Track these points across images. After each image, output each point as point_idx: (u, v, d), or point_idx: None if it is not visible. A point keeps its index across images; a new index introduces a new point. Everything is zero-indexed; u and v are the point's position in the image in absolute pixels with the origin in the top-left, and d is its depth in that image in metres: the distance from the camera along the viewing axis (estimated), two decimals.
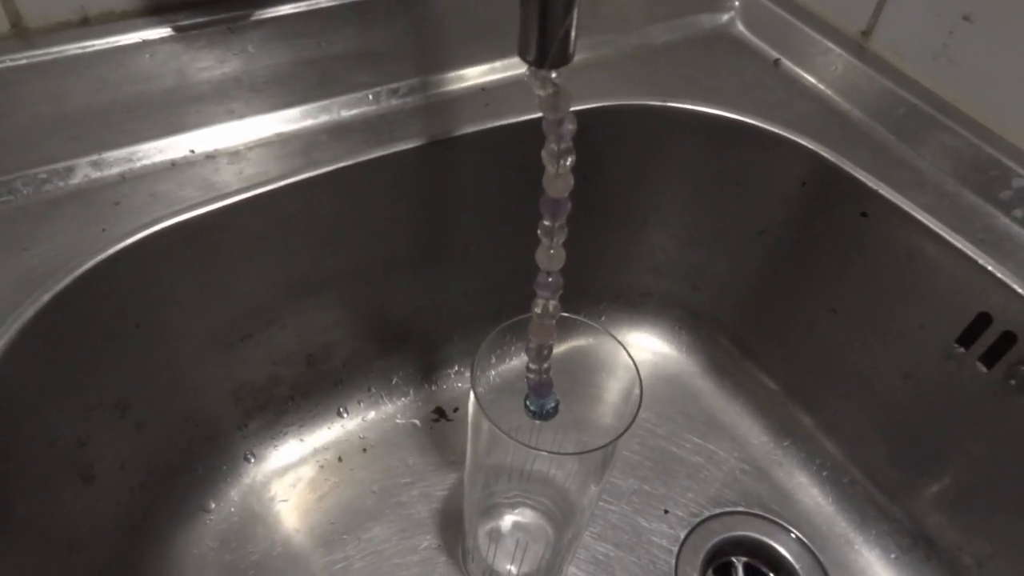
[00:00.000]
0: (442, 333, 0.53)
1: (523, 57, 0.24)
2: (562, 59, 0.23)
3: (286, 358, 0.47)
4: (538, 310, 0.29)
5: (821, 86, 0.48)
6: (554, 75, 0.23)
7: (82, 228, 0.36)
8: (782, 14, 0.51)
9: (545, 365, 0.31)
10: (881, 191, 0.42)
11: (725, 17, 0.53)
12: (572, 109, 0.43)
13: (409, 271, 0.48)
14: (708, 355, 0.56)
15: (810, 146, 0.44)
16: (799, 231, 0.47)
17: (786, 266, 0.49)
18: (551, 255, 0.27)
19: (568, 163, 0.25)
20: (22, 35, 0.43)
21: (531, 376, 0.32)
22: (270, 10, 0.47)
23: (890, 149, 0.45)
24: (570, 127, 0.24)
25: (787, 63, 0.50)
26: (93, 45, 0.43)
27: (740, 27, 0.53)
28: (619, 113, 0.47)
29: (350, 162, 0.41)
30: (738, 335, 0.54)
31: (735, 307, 0.53)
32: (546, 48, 0.23)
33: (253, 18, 0.47)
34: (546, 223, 0.27)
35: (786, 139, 0.45)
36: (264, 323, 0.44)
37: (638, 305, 0.57)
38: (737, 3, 0.53)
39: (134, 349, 0.38)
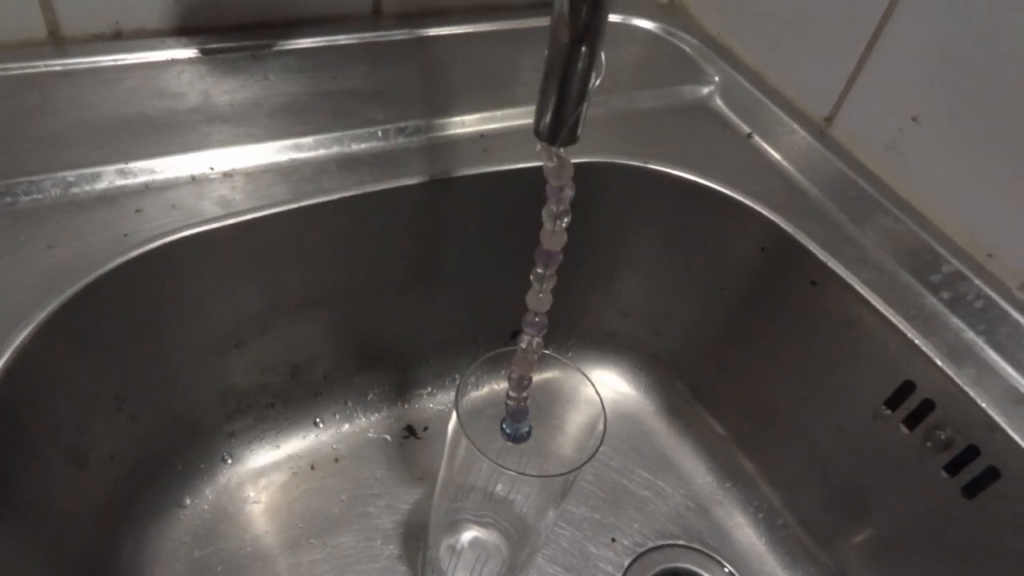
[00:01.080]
0: (420, 355, 0.56)
1: (537, 133, 0.28)
2: (571, 139, 0.28)
3: (273, 367, 0.50)
4: (524, 345, 0.33)
5: (785, 163, 0.54)
6: (562, 151, 0.28)
7: (106, 231, 0.38)
8: (756, 93, 0.57)
9: (524, 394, 0.35)
10: (830, 264, 0.47)
11: (706, 90, 0.58)
12: None
13: (397, 296, 0.51)
14: (664, 397, 0.60)
15: (771, 216, 0.49)
16: (756, 291, 0.52)
17: (742, 321, 0.54)
18: (540, 298, 0.31)
19: (564, 223, 0.29)
20: (58, 43, 0.46)
21: (510, 403, 0.35)
22: (291, 42, 0.51)
23: (840, 226, 0.50)
24: (569, 193, 0.28)
25: (758, 139, 0.55)
26: (125, 59, 0.47)
27: (718, 101, 0.58)
28: (603, 169, 0.51)
29: (355, 192, 0.44)
30: (693, 380, 0.59)
31: (692, 354, 0.58)
32: (558, 129, 0.27)
33: (275, 48, 0.50)
34: (539, 270, 0.31)
35: (751, 208, 0.50)
36: (259, 332, 0.47)
37: (603, 344, 0.61)
38: (717, 79, 0.58)
39: (138, 346, 0.41)
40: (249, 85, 0.48)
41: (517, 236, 0.40)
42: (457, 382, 0.47)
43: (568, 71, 0.26)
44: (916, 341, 0.43)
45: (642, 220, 0.54)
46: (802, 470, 0.52)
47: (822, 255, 0.47)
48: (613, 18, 0.62)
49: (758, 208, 0.50)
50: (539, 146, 0.28)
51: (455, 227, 0.49)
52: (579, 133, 0.28)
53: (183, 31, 0.49)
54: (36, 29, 0.46)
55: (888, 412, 0.45)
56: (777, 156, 0.54)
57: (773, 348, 0.52)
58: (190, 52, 0.48)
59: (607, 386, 0.61)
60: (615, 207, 0.53)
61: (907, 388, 0.44)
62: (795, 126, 0.54)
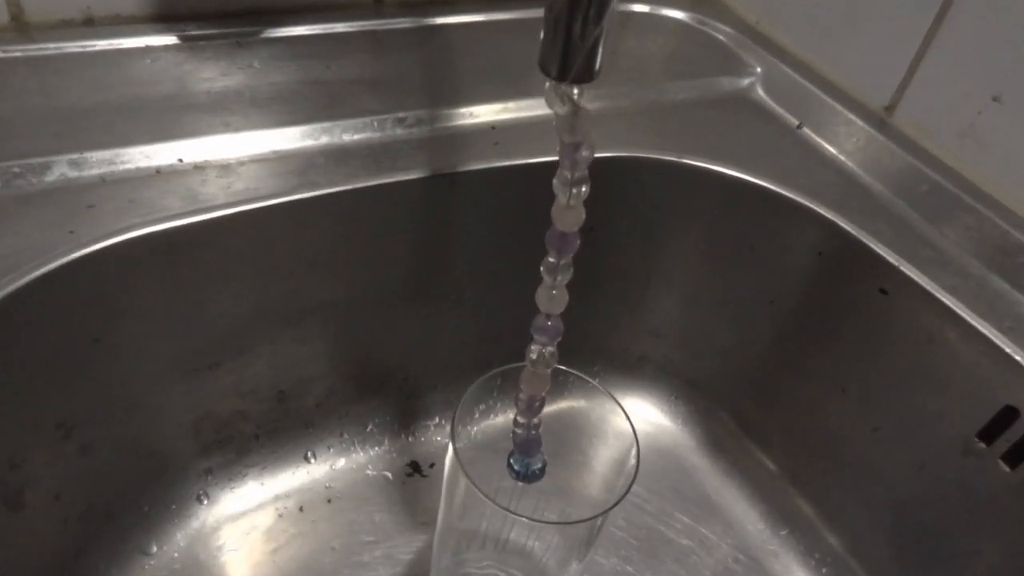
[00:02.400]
0: (426, 380, 0.49)
1: (543, 69, 0.21)
2: (586, 75, 0.21)
3: (255, 392, 0.43)
4: (533, 356, 0.26)
5: (842, 157, 0.47)
6: (575, 92, 0.21)
7: (48, 228, 0.33)
8: (804, 83, 0.50)
9: (535, 420, 0.28)
10: (903, 268, 0.40)
11: (746, 82, 0.52)
12: None
13: (397, 309, 0.45)
14: (705, 429, 0.53)
15: (829, 216, 0.42)
16: (812, 304, 0.45)
17: (796, 340, 0.47)
18: (552, 296, 0.25)
19: (581, 192, 0.23)
20: (22, 29, 0.42)
21: (518, 431, 0.29)
22: (282, 30, 0.46)
23: (912, 225, 0.43)
24: (586, 154, 0.22)
25: (807, 132, 0.48)
26: (94, 45, 0.42)
27: (760, 92, 0.51)
28: (631, 165, 0.45)
29: (346, 187, 0.38)
30: (739, 410, 0.51)
31: (738, 379, 0.51)
32: (569, 60, 0.20)
33: (264, 35, 0.45)
34: (551, 260, 0.24)
35: (804, 206, 0.43)
36: (235, 351, 0.41)
37: (634, 370, 0.54)
38: (759, 69, 0.52)
39: (88, 366, 0.35)
40: (231, 73, 0.43)
41: (534, 240, 0.33)
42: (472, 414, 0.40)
43: None
44: (1017, 358, 0.36)
45: (676, 225, 0.47)
46: (872, 515, 0.44)
47: (893, 259, 0.40)
48: (640, 8, 0.57)
49: (813, 207, 0.43)
50: (546, 85, 0.21)
51: (462, 229, 0.43)
52: (597, 68, 0.22)
53: (162, 17, 0.45)
54: None
55: (983, 446, 0.38)
56: (832, 149, 0.47)
57: (835, 370, 0.44)
58: (168, 39, 0.43)
59: (640, 417, 0.53)
60: (645, 210, 0.47)
61: (1008, 416, 0.36)
62: (851, 116, 0.48)
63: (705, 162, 0.45)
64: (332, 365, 0.45)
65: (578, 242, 0.24)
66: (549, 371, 0.27)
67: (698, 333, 0.51)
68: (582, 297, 0.50)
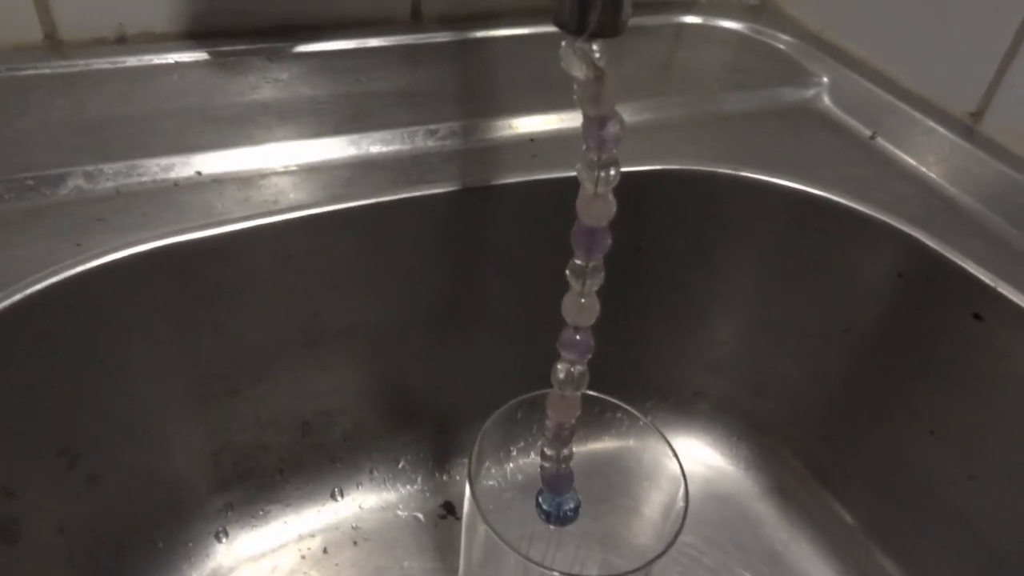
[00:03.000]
0: (463, 413, 0.46)
1: (557, 22, 0.18)
2: (609, 27, 0.18)
3: (277, 422, 0.41)
4: (560, 376, 0.23)
5: (923, 168, 0.42)
6: (596, 51, 0.18)
7: (55, 241, 0.31)
8: (877, 91, 0.46)
9: (565, 451, 0.24)
10: (1000, 289, 0.34)
11: (810, 92, 0.47)
12: (628, 169, 0.38)
13: (430, 334, 0.42)
14: (771, 474, 0.47)
15: (911, 232, 0.37)
16: (892, 332, 0.40)
17: (874, 373, 0.41)
18: (581, 305, 0.21)
19: (611, 177, 0.19)
20: (55, 46, 0.41)
21: (546, 465, 0.25)
22: (316, 44, 0.45)
23: (1008, 242, 0.37)
24: (614, 129, 0.18)
25: (882, 142, 0.44)
26: (124, 61, 0.41)
27: (827, 102, 0.47)
28: (683, 179, 0.41)
29: (371, 201, 0.36)
30: (810, 453, 0.46)
31: (807, 419, 0.45)
32: (588, 7, 0.17)
33: (296, 50, 0.44)
34: (577, 261, 0.21)
35: (881, 222, 0.38)
36: (254, 376, 0.38)
37: (689, 406, 0.49)
38: (825, 79, 0.48)
39: (95, 388, 0.33)
40: (259, 87, 0.41)
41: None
42: (502, 447, 0.37)
43: None
44: None
45: (735, 244, 0.43)
46: (969, 572, 0.38)
47: (988, 279, 0.35)
48: (692, 20, 0.54)
49: (892, 222, 0.38)
50: (562, 44, 0.18)
51: (498, 248, 0.40)
52: (624, 16, 0.18)
53: (195, 35, 0.44)
54: (31, 31, 0.41)
55: None
56: (911, 160, 0.42)
57: (922, 409, 0.39)
58: (198, 55, 0.42)
59: (696, 459, 0.48)
60: (700, 229, 0.43)
61: None
62: (932, 124, 0.43)
63: (765, 175, 0.41)
64: (360, 395, 0.42)
65: (609, 240, 0.21)
66: (579, 394, 0.23)
67: (761, 366, 0.46)
68: (630, 324, 0.47)
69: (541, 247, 0.41)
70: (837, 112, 0.46)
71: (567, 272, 0.22)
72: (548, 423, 0.24)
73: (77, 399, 0.33)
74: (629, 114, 0.43)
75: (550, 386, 0.35)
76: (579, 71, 0.18)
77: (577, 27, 0.18)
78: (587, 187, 0.20)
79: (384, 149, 0.38)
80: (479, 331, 0.42)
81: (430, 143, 0.39)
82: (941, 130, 0.43)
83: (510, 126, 0.41)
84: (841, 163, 0.42)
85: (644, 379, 0.48)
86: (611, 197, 0.20)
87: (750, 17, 0.54)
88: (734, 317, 0.45)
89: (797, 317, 0.43)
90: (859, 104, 0.46)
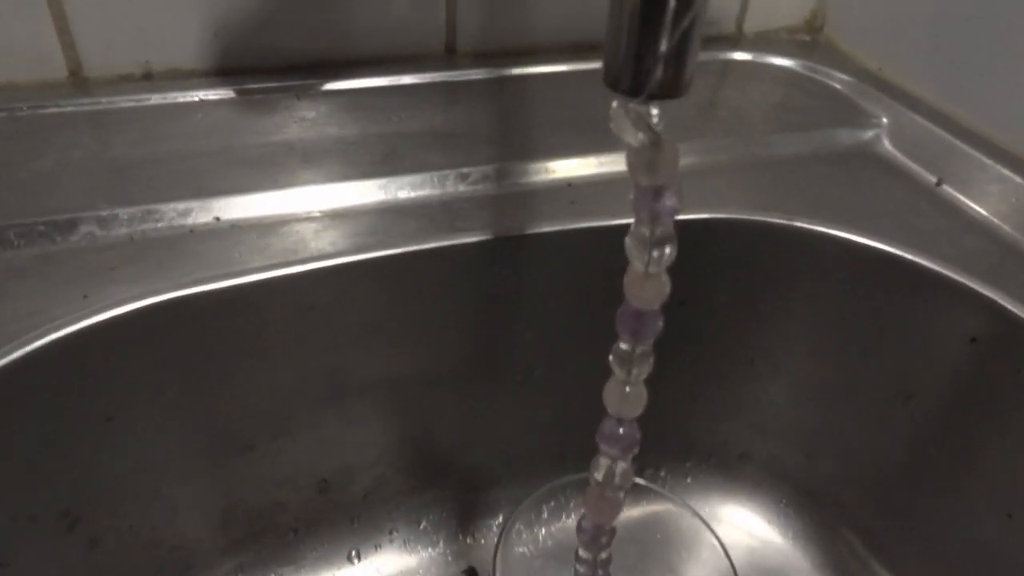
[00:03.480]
0: (489, 473, 0.43)
1: (609, 82, 0.16)
2: (673, 87, 0.15)
3: (293, 480, 0.38)
4: (599, 475, 0.20)
5: (996, 219, 0.38)
6: (655, 113, 0.15)
7: (61, 291, 0.29)
8: (942, 134, 0.42)
9: (603, 554, 0.21)
10: None
11: (869, 134, 0.44)
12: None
13: (456, 389, 0.39)
14: (824, 548, 0.43)
15: (985, 292, 0.34)
16: (962, 402, 0.36)
17: (940, 445, 0.38)
18: (626, 394, 0.18)
19: (665, 256, 0.17)
20: (80, 84, 0.40)
21: (581, 570, 0.22)
22: (347, 82, 0.43)
23: None
24: (671, 203, 0.16)
25: (948, 189, 0.40)
26: (148, 99, 0.40)
27: (887, 146, 0.44)
28: (731, 228, 0.38)
29: (398, 251, 0.34)
30: (866, 527, 0.42)
31: (864, 489, 0.42)
32: (647, 65, 0.15)
33: (326, 87, 0.42)
34: (623, 347, 0.18)
35: (952, 281, 0.35)
36: (271, 433, 0.36)
37: (734, 470, 0.46)
38: (885, 120, 0.45)
39: (99, 447, 0.31)
40: (286, 127, 0.39)
41: (615, 313, 0.27)
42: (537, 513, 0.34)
43: None
44: None
45: (787, 299, 0.40)
46: None
47: None
48: (740, 56, 0.51)
49: (963, 281, 0.35)
50: (614, 105, 0.16)
51: (531, 300, 0.37)
52: (688, 76, 0.15)
53: (222, 71, 0.42)
54: (56, 68, 0.40)
55: None
56: (981, 210, 0.39)
57: (995, 488, 0.35)
58: (224, 92, 0.41)
59: (741, 529, 0.45)
60: (748, 281, 0.40)
61: None
62: (1005, 171, 0.39)
63: (821, 225, 0.37)
64: (381, 452, 0.40)
65: (660, 323, 0.18)
66: (621, 494, 0.21)
67: (814, 430, 0.42)
68: (672, 378, 0.43)
69: (578, 301, 0.38)
70: (898, 156, 0.43)
71: (611, 358, 0.19)
72: (584, 524, 0.21)
73: (79, 459, 0.31)
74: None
75: (581, 446, 0.32)
76: (632, 136, 0.16)
77: (633, 88, 0.15)
78: (637, 266, 0.17)
79: (413, 194, 0.36)
80: (509, 387, 0.40)
81: (462, 188, 0.37)
82: (1016, 178, 0.39)
83: (547, 170, 0.39)
84: (904, 212, 0.39)
85: (686, 437, 0.45)
86: (664, 277, 0.17)
87: (802, 54, 0.51)
88: (785, 375, 0.42)
89: (854, 379, 0.40)
90: (922, 147, 0.43)
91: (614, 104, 0.16)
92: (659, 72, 0.15)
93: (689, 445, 0.45)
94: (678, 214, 0.17)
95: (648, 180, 0.16)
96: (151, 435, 0.33)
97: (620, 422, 0.20)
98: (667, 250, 0.17)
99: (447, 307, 0.36)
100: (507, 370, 0.40)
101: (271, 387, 0.35)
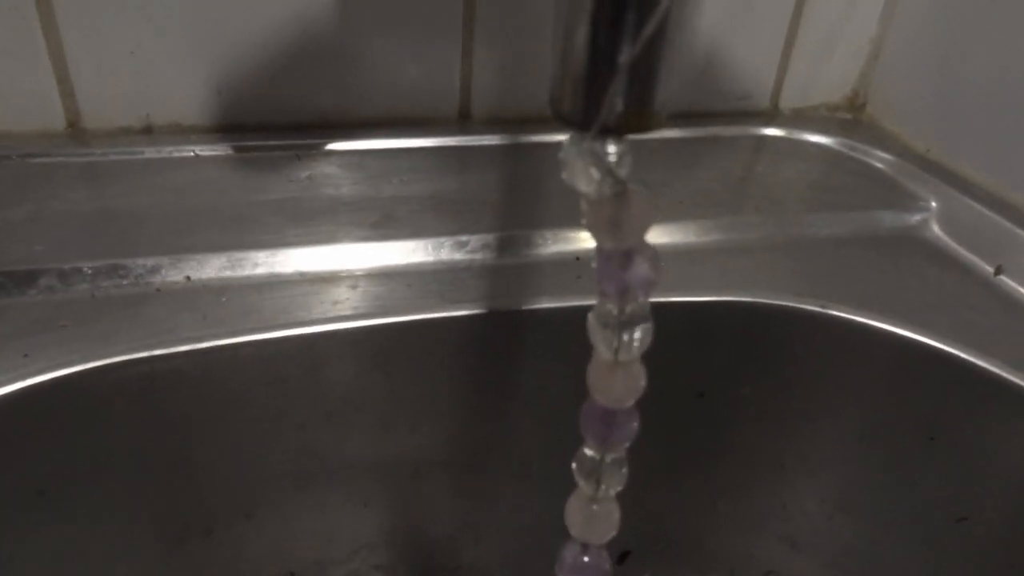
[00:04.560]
0: (477, 570, 0.38)
1: (555, 110, 0.13)
2: (636, 118, 0.12)
3: (257, 572, 0.34)
4: None
5: None
6: (614, 154, 0.12)
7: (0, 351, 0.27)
8: (999, 220, 0.38)
9: None
10: None
11: (916, 218, 0.40)
12: (692, 299, 0.32)
13: (443, 477, 0.35)
14: None
15: None
16: None
17: (1004, 571, 0.32)
18: (592, 513, 0.15)
19: (636, 341, 0.13)
20: (77, 135, 0.39)
21: None
22: (352, 143, 0.41)
23: None
24: (642, 271, 0.12)
25: (1007, 280, 0.36)
26: (142, 152, 0.38)
27: (936, 231, 0.40)
28: (758, 314, 0.34)
29: (379, 321, 0.30)
30: None
31: None
32: (599, 89, 0.11)
33: (328, 147, 0.40)
34: (588, 453, 0.14)
35: (1013, 385, 0.30)
36: (232, 516, 0.33)
37: None
38: (934, 203, 0.41)
39: (30, 526, 0.28)
40: (279, 186, 0.37)
41: None
42: None
43: None
44: None
45: (821, 397, 0.35)
46: None
47: None
48: (773, 132, 0.48)
49: None
50: (564, 143, 0.12)
51: (529, 381, 0.34)
52: (658, 103, 0.12)
53: (225, 128, 0.41)
54: (54, 118, 0.39)
55: None
56: None
57: None
58: (220, 149, 0.39)
59: None
60: (777, 373, 0.35)
61: None
62: None
63: (861, 315, 0.33)
64: (357, 545, 0.36)
65: (635, 425, 0.14)
66: None
67: (853, 548, 0.37)
68: (691, 481, 0.39)
69: (581, 386, 0.34)
70: (949, 242, 0.39)
71: (574, 467, 0.15)
72: None
73: (7, 540, 0.27)
74: (695, 233, 0.37)
75: None
76: (586, 183, 0.12)
77: (583, 118, 0.12)
78: (603, 352, 0.14)
79: (404, 261, 0.33)
80: (500, 478, 0.36)
81: (457, 256, 0.34)
82: None
83: (553, 241, 0.36)
84: (958, 305, 0.34)
85: (705, 549, 0.40)
86: (638, 367, 0.14)
87: (842, 131, 0.48)
88: (819, 485, 0.37)
89: (899, 493, 0.35)
90: (976, 233, 0.39)
91: (565, 141, 0.13)
92: (618, 97, 0.11)
93: (708, 560, 0.40)
94: (654, 286, 0.13)
95: (612, 241, 0.12)
96: (91, 513, 0.29)
97: (585, 548, 0.16)
98: (638, 334, 0.13)
99: (435, 386, 0.33)
100: (501, 461, 0.36)
101: (234, 465, 0.31)
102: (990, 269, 0.36)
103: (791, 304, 0.34)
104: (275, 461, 0.32)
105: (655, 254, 0.13)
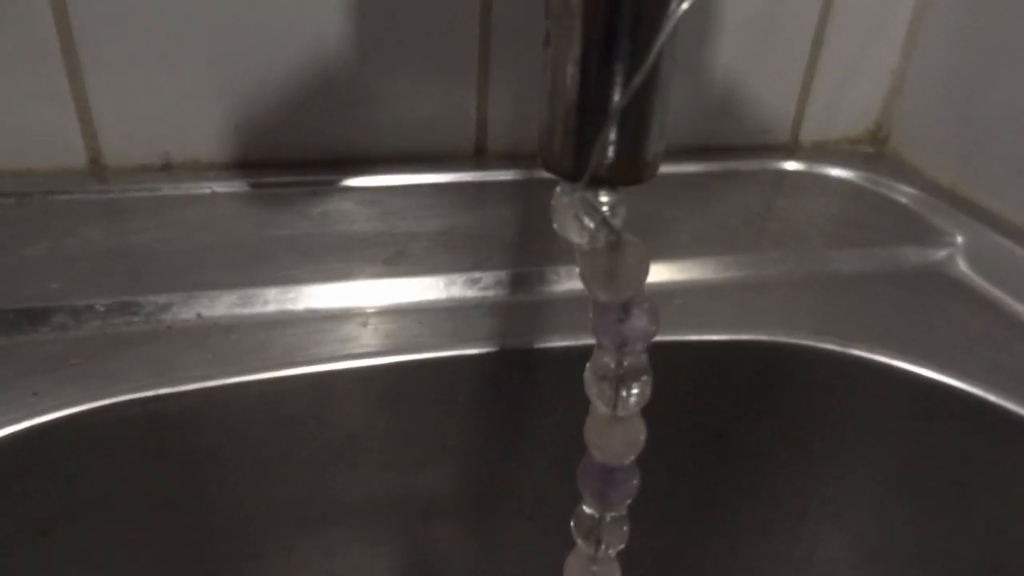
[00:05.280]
0: None
1: (546, 163, 0.12)
2: (627, 167, 0.11)
3: None
4: None
5: None
6: (607, 203, 0.12)
7: (10, 388, 0.27)
8: None
9: None
10: None
11: (941, 254, 0.39)
12: (708, 338, 0.31)
13: (454, 520, 0.35)
14: None
15: None
16: None
17: None
18: (592, 574, 0.14)
19: (634, 396, 0.12)
20: (98, 172, 0.39)
21: None
22: (368, 178, 0.41)
23: None
24: (640, 324, 0.12)
25: None
26: (160, 190, 0.38)
27: (963, 267, 0.39)
28: (777, 354, 0.33)
29: (388, 360, 0.30)
30: None
31: None
32: (588, 139, 0.11)
33: (344, 183, 0.40)
34: (586, 510, 0.14)
35: None
36: (237, 558, 0.32)
37: None
38: (960, 239, 0.40)
39: (32, 568, 0.27)
40: (294, 222, 0.37)
41: (646, 449, 0.23)
42: None
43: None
44: None
45: (846, 441, 0.34)
46: None
47: None
48: (795, 167, 0.47)
49: None
50: (556, 192, 0.12)
51: (543, 422, 0.33)
52: (652, 152, 0.12)
53: (244, 164, 0.41)
54: (76, 156, 0.39)
55: None
56: None
57: None
58: (237, 186, 0.40)
59: None
60: (799, 415, 0.34)
61: None
62: None
63: (884, 355, 0.32)
64: None
65: (636, 482, 0.14)
66: None
67: None
68: (710, 526, 0.37)
69: None
70: (977, 280, 0.38)
71: (572, 525, 0.14)
72: None
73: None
74: (713, 270, 0.37)
75: None
76: (578, 234, 0.12)
77: (573, 169, 0.11)
78: (600, 407, 0.13)
79: (415, 299, 0.33)
80: (513, 522, 0.35)
81: (469, 293, 0.34)
82: None
83: (567, 277, 0.35)
84: (987, 345, 0.33)
85: None
86: (638, 423, 0.13)
87: (864, 166, 0.47)
88: (845, 531, 0.35)
89: (929, 542, 0.33)
90: (1006, 271, 0.37)
91: (556, 190, 0.12)
92: (608, 147, 0.11)
93: None
94: (652, 338, 0.13)
95: (607, 293, 0.12)
96: (97, 552, 0.29)
97: None
98: (636, 389, 0.13)
99: (446, 425, 0.32)
100: (514, 502, 0.35)
101: (240, 504, 0.31)
102: (1020, 307, 0.35)
103: (811, 343, 0.33)
104: (282, 501, 0.32)
105: (653, 305, 0.12)
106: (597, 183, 0.12)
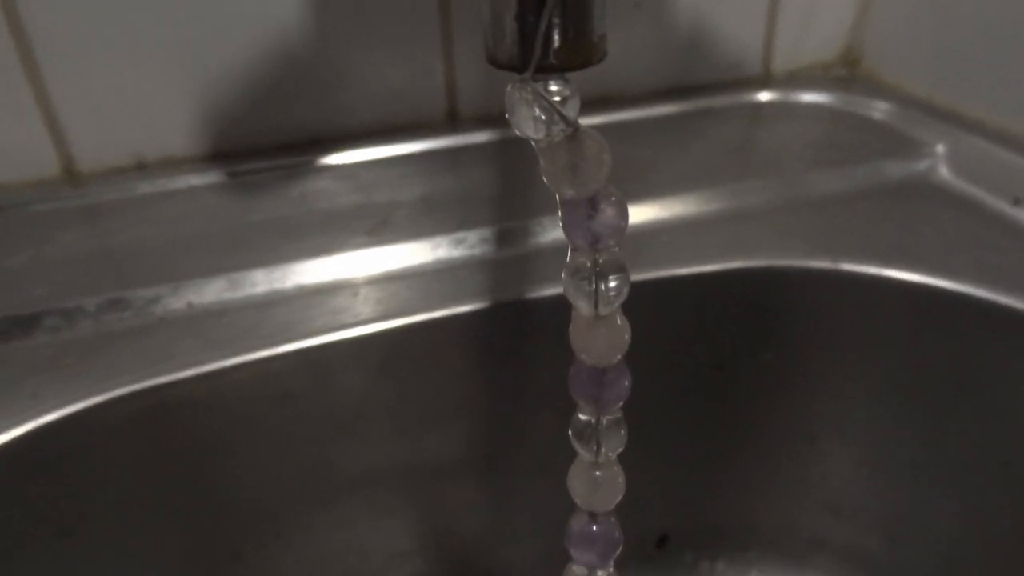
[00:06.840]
0: (515, 569, 0.38)
1: (491, 58, 0.12)
2: (575, 50, 0.11)
3: None
4: None
5: None
6: (558, 92, 0.11)
7: (8, 393, 0.27)
8: (1011, 156, 0.37)
9: None
10: None
11: (923, 164, 0.39)
12: (701, 270, 0.31)
13: (466, 480, 0.35)
14: None
15: None
16: None
17: None
18: (595, 480, 0.14)
19: (610, 289, 0.12)
20: (73, 179, 0.39)
21: None
22: (344, 155, 0.41)
23: None
24: (609, 215, 0.12)
25: None
26: (137, 189, 0.38)
27: (946, 174, 0.39)
28: (769, 278, 0.33)
29: (381, 326, 0.30)
30: None
31: (961, 575, 0.34)
32: (530, 24, 0.11)
33: (321, 163, 0.40)
34: (582, 417, 0.14)
35: None
36: (258, 537, 0.32)
37: (805, 559, 0.39)
38: (940, 148, 0.40)
39: (53, 568, 0.28)
40: (274, 206, 0.37)
41: (644, 382, 0.23)
42: None
43: None
44: None
45: (845, 357, 0.34)
46: None
47: None
48: (765, 96, 0.47)
49: None
50: (507, 90, 0.12)
51: (542, 371, 0.33)
52: (597, 36, 0.11)
53: (217, 155, 0.41)
54: (48, 165, 0.39)
55: None
56: None
57: None
58: (214, 177, 0.39)
59: None
60: (796, 338, 0.34)
61: None
62: None
63: (874, 267, 0.32)
64: (385, 555, 0.35)
65: (627, 382, 0.14)
66: None
67: (895, 508, 0.36)
68: (720, 456, 0.38)
69: None
70: (961, 184, 0.38)
71: (570, 433, 0.15)
72: None
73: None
74: (697, 204, 0.37)
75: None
76: (534, 128, 0.12)
77: (521, 59, 0.11)
78: (581, 308, 0.13)
79: (402, 264, 0.33)
80: (523, 477, 0.35)
81: (456, 253, 0.34)
82: None
83: (551, 227, 0.35)
84: (975, 245, 0.33)
85: (745, 524, 0.39)
86: (621, 320, 0.13)
87: (838, 88, 0.47)
88: (853, 448, 0.36)
89: (937, 445, 0.33)
90: (987, 171, 0.37)
91: (509, 87, 0.12)
92: (553, 31, 0.11)
93: (749, 532, 0.39)
94: (623, 232, 0.13)
95: (572, 188, 0.12)
96: (118, 549, 0.29)
97: (593, 517, 0.15)
98: (613, 283, 0.13)
99: (446, 386, 0.32)
100: (520, 458, 0.35)
101: (252, 486, 0.31)
102: (1005, 204, 0.35)
103: (802, 263, 0.33)
104: (293, 478, 0.32)
105: (621, 199, 0.12)
106: (546, 71, 0.12)
